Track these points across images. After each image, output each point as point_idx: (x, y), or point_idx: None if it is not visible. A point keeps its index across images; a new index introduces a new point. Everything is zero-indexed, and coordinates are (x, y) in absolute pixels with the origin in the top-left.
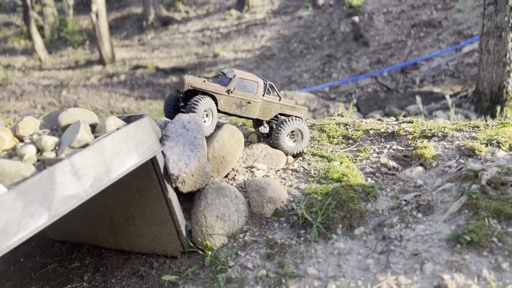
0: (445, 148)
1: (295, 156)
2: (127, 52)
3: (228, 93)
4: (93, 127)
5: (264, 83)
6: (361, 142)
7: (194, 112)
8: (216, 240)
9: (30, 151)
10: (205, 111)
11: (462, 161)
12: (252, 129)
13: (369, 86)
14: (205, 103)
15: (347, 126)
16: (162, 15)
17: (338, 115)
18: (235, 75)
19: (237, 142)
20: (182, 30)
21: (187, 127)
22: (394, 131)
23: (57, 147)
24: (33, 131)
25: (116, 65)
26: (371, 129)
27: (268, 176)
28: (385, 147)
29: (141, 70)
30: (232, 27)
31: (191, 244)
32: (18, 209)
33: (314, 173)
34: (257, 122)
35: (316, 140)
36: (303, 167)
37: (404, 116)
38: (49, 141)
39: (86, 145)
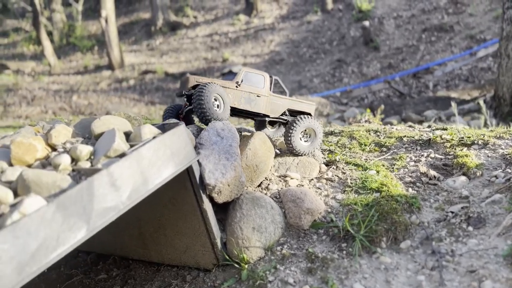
0: (488, 156)
1: (327, 164)
2: (136, 57)
3: (236, 87)
4: (127, 135)
5: (270, 77)
6: (395, 150)
7: (201, 101)
8: (252, 253)
9: (65, 160)
10: (214, 99)
11: (510, 170)
12: None
13: (382, 91)
14: (212, 89)
15: (378, 133)
16: (170, 20)
17: (366, 121)
18: (241, 69)
19: (269, 150)
20: (190, 35)
21: (221, 135)
22: (430, 139)
23: (92, 157)
24: (65, 140)
25: (125, 70)
26: (405, 136)
27: (302, 186)
28: (422, 155)
29: (150, 75)
30: (240, 32)
31: (226, 257)
32: (57, 222)
33: (351, 183)
34: (260, 124)
35: (347, 147)
36: (337, 176)
37: (421, 122)
38: (84, 150)
39: (122, 155)
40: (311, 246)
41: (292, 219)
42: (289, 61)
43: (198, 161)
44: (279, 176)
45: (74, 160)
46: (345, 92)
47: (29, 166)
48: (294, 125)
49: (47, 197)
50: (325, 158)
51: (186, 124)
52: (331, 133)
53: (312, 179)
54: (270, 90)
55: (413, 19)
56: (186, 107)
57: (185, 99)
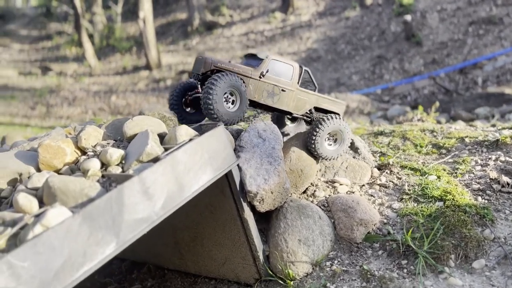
0: None
1: (380, 168)
2: (173, 57)
3: (260, 77)
4: (161, 137)
5: (300, 67)
6: (456, 152)
7: (210, 93)
8: (299, 268)
9: (94, 165)
10: (228, 93)
11: None
12: None
13: (426, 88)
14: (228, 80)
15: (435, 133)
16: (206, 19)
17: (419, 120)
18: (267, 56)
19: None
20: (226, 34)
21: (263, 136)
22: (498, 140)
23: (123, 161)
24: (96, 142)
25: (162, 70)
26: (466, 136)
27: (353, 192)
28: (490, 158)
29: (186, 75)
30: (276, 30)
31: (270, 272)
32: (84, 236)
33: (409, 190)
34: (278, 118)
35: (401, 149)
36: (392, 181)
37: (472, 120)
38: (115, 154)
39: (156, 159)
40: (365, 263)
41: (343, 231)
42: (327, 58)
43: (238, 165)
44: (326, 182)
45: (104, 165)
46: (386, 89)
47: (58, 171)
48: (320, 126)
49: (73, 207)
50: (376, 161)
51: (194, 110)
52: (381, 133)
53: (364, 185)
54: (298, 83)
55: (458, 12)
56: (196, 93)
57: (199, 82)
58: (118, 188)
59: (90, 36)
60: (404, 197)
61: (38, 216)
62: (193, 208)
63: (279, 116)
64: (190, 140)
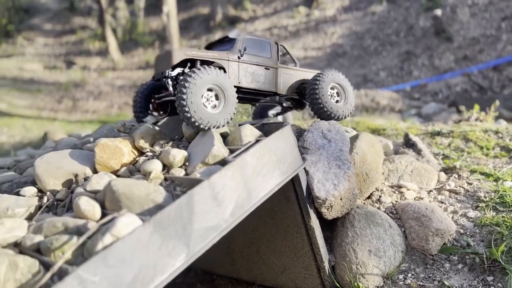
0: None
1: (445, 171)
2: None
3: (239, 57)
4: (223, 137)
5: (276, 44)
6: None
7: (184, 92)
8: (369, 281)
9: (156, 167)
10: (209, 90)
11: None
12: None
13: (458, 85)
14: (206, 75)
15: (500, 134)
16: (229, 14)
17: (476, 119)
18: (239, 34)
19: (378, 155)
20: (249, 29)
21: (328, 137)
22: None
23: (186, 163)
24: (152, 142)
25: None
26: None
27: (422, 199)
28: None
29: None
30: (300, 25)
31: (337, 284)
32: (154, 247)
33: (484, 197)
34: (261, 112)
35: (465, 152)
36: (462, 187)
37: None
38: (178, 155)
39: (223, 162)
40: (445, 277)
41: (416, 241)
42: (353, 53)
43: (305, 168)
44: (392, 186)
45: (166, 167)
46: (416, 86)
47: (115, 172)
48: (318, 80)
49: (140, 214)
50: (440, 164)
51: (167, 115)
52: (438, 133)
53: (431, 191)
54: (278, 60)
55: (490, 6)
56: (166, 95)
57: (169, 82)
58: (188, 194)
59: (113, 31)
60: (480, 205)
61: (105, 225)
62: (251, 213)
63: (263, 109)
64: (257, 141)
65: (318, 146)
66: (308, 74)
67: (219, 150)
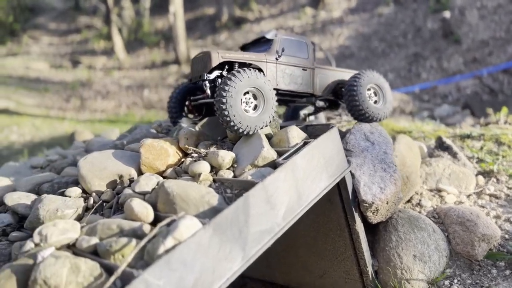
0: None
1: (482, 174)
2: None
3: (277, 59)
4: (267, 139)
5: (312, 43)
6: None
7: (224, 95)
8: (414, 287)
9: (205, 169)
10: (247, 92)
11: None
12: None
13: (468, 88)
14: (246, 78)
15: None
16: (235, 14)
17: (505, 122)
18: (277, 34)
19: (416, 158)
20: (255, 29)
21: (370, 139)
22: None
23: (235, 165)
24: (196, 142)
25: None
26: None
27: (462, 203)
28: None
29: None
30: (307, 26)
31: None
32: (213, 250)
33: None
34: (293, 113)
35: (499, 155)
36: (502, 191)
37: None
38: (227, 157)
39: (273, 164)
40: (493, 284)
41: (460, 247)
42: (360, 55)
43: (350, 171)
44: (431, 190)
45: (214, 169)
46: (425, 88)
47: (160, 173)
48: (355, 82)
49: (196, 217)
50: (476, 168)
51: (202, 117)
52: (468, 136)
53: (471, 195)
54: (314, 60)
55: (499, 9)
56: (203, 97)
57: (206, 84)
58: (244, 197)
59: (119, 30)
60: None
61: (168, 227)
62: None
63: (294, 110)
64: (305, 143)
65: (361, 148)
66: (344, 74)
67: (269, 152)
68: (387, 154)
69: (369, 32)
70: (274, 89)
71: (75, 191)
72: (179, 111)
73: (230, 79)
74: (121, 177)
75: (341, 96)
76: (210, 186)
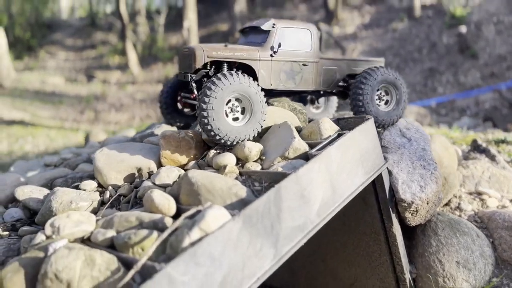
0: None
1: None
2: None
3: (272, 56)
4: (297, 131)
5: (318, 29)
6: None
7: (205, 102)
8: None
9: (230, 161)
10: (232, 101)
11: None
12: None
13: (486, 102)
14: (230, 83)
15: None
16: None
17: None
18: (274, 24)
19: (453, 159)
20: None
21: (407, 136)
22: None
23: (262, 157)
24: None
25: None
26: None
27: (506, 207)
28: None
29: None
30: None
31: None
32: (243, 245)
33: None
34: (300, 98)
35: None
36: None
37: None
38: (254, 148)
39: (305, 156)
40: None
41: (508, 253)
42: None
43: (387, 168)
44: (470, 193)
45: (240, 161)
46: (442, 102)
47: (182, 166)
48: (365, 80)
49: (229, 209)
50: None
51: (193, 112)
52: (502, 141)
53: None
54: (320, 50)
55: None
56: (192, 98)
57: (193, 84)
58: (276, 188)
59: (133, 46)
60: None
61: (192, 218)
62: None
63: (300, 100)
64: (339, 135)
65: (397, 145)
66: (356, 63)
67: (300, 143)
68: (425, 151)
69: (383, 47)
70: (268, 89)
71: (90, 184)
72: (172, 106)
73: (210, 88)
74: (139, 170)
75: (348, 88)
76: (236, 179)
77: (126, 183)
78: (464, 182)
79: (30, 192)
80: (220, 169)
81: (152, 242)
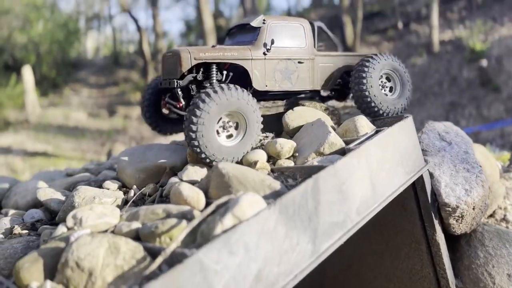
0: None
1: None
2: None
3: (265, 53)
4: None
5: (311, 24)
6: None
7: (196, 115)
8: None
9: (261, 156)
10: (224, 117)
11: None
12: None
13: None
14: (227, 99)
15: None
16: None
17: None
18: (265, 20)
19: (495, 169)
20: None
21: (446, 139)
22: None
23: (296, 153)
24: None
25: None
26: None
27: None
28: None
29: None
30: None
31: None
32: (279, 237)
33: None
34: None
35: None
36: None
37: None
38: (286, 145)
39: (341, 151)
40: None
41: None
42: None
43: (428, 171)
44: None
45: (271, 158)
46: (466, 133)
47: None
48: (367, 66)
49: (267, 199)
50: None
51: (178, 117)
52: None
53: None
54: (315, 46)
55: None
56: (178, 107)
57: (179, 92)
58: (314, 178)
59: None
60: None
61: (224, 205)
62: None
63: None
64: (377, 132)
65: (437, 148)
66: (354, 59)
67: (336, 138)
68: (468, 154)
69: None
70: (263, 91)
71: (113, 183)
72: (155, 113)
73: (203, 101)
74: (165, 169)
75: (347, 85)
76: (268, 175)
77: (151, 183)
78: (508, 193)
79: (52, 193)
80: (250, 166)
81: (181, 230)
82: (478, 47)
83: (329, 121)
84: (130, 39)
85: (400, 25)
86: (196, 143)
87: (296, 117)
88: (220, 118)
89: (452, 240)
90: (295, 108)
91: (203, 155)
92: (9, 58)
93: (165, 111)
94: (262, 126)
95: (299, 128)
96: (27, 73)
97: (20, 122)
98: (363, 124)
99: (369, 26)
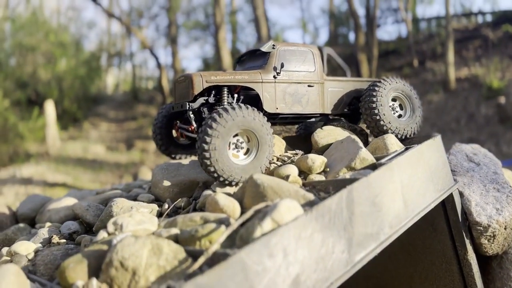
0: None
1: None
2: None
3: (275, 77)
4: None
5: (320, 50)
6: None
7: (207, 142)
8: None
9: (293, 171)
10: (236, 135)
11: None
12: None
13: None
14: (233, 119)
15: None
16: None
17: None
18: (274, 45)
19: None
20: None
21: (474, 160)
22: None
23: (327, 169)
24: (278, 153)
25: None
26: None
27: None
28: None
29: None
30: None
31: None
32: (316, 244)
33: None
34: (306, 128)
35: None
36: None
37: None
38: (318, 160)
39: (373, 166)
40: None
41: None
42: None
43: (457, 189)
44: None
45: (302, 173)
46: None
47: None
48: (377, 88)
49: (304, 207)
50: None
51: (189, 141)
52: None
53: None
54: (324, 72)
55: None
56: (190, 130)
57: (191, 115)
58: (348, 189)
59: None
60: None
61: (263, 211)
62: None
63: (307, 127)
64: (407, 148)
65: (465, 168)
66: (362, 84)
67: (367, 153)
68: (498, 175)
69: None
70: (274, 114)
71: (148, 196)
72: (166, 137)
73: (211, 126)
74: (197, 184)
75: (357, 110)
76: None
77: (184, 197)
78: None
79: (87, 206)
80: (284, 179)
81: (221, 234)
82: (496, 85)
83: (357, 140)
84: (149, 75)
85: (415, 62)
86: (211, 168)
87: (325, 135)
88: (232, 138)
89: (483, 261)
90: (324, 127)
91: (221, 178)
92: (32, 93)
93: (175, 134)
94: (273, 141)
95: (328, 145)
96: (50, 107)
97: (40, 154)
98: (393, 141)
99: (384, 64)
